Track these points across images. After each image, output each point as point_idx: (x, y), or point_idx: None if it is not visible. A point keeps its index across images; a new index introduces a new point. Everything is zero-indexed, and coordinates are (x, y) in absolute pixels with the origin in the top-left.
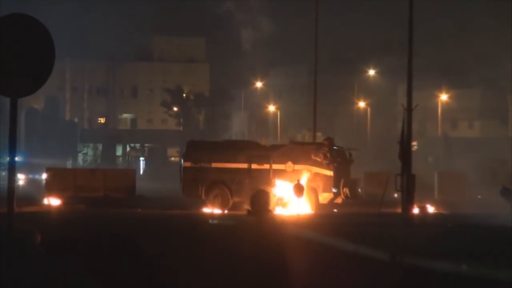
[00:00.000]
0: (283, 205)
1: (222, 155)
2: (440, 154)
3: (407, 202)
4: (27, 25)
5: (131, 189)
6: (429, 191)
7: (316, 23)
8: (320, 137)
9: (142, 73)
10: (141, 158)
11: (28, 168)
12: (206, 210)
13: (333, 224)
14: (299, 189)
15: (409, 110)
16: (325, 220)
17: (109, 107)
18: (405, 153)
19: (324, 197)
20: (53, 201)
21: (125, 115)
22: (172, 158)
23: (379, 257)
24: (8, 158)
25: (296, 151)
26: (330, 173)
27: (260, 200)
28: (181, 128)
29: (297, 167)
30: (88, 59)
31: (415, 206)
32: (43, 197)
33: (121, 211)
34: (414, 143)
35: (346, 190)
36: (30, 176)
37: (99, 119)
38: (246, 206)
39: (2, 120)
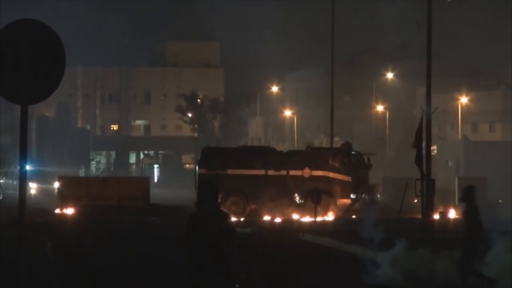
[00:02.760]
0: (301, 211)
1: (238, 161)
2: (461, 158)
3: (427, 207)
4: (36, 30)
5: (145, 198)
6: (450, 196)
7: (332, 26)
8: (337, 142)
9: (155, 79)
10: (155, 166)
11: (40, 177)
12: None
13: (351, 231)
14: (316, 196)
15: (428, 113)
16: (343, 227)
17: (122, 114)
18: (421, 158)
19: (342, 203)
20: (66, 210)
21: (138, 122)
22: (187, 165)
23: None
24: (18, 167)
25: (313, 156)
26: (348, 178)
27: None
28: (196, 135)
29: (314, 173)
30: (100, 65)
31: (436, 211)
32: (55, 206)
33: (135, 220)
34: (434, 147)
35: (364, 196)
36: (42, 185)
37: (112, 126)
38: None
39: (13, 128)
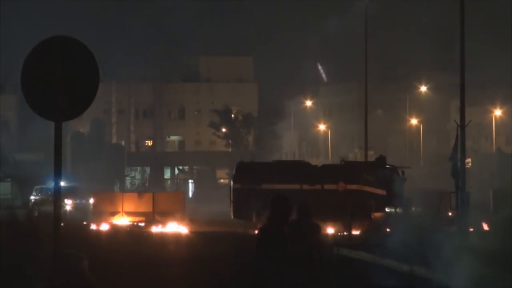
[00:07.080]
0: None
1: (272, 176)
2: (495, 170)
3: (462, 220)
4: (70, 47)
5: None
6: (485, 209)
7: (366, 40)
8: (372, 155)
9: (189, 94)
10: (190, 181)
11: (75, 193)
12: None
13: (386, 245)
14: (351, 209)
15: (462, 126)
16: (378, 241)
17: (156, 129)
18: (458, 171)
19: (377, 216)
20: (101, 226)
21: (172, 137)
22: (222, 180)
23: (433, 277)
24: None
25: (348, 170)
26: (382, 192)
27: None
28: (230, 149)
29: (349, 186)
30: (134, 81)
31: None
32: (91, 222)
33: (170, 234)
34: (468, 160)
35: (399, 209)
36: (77, 201)
37: (146, 141)
38: None
39: (47, 145)
